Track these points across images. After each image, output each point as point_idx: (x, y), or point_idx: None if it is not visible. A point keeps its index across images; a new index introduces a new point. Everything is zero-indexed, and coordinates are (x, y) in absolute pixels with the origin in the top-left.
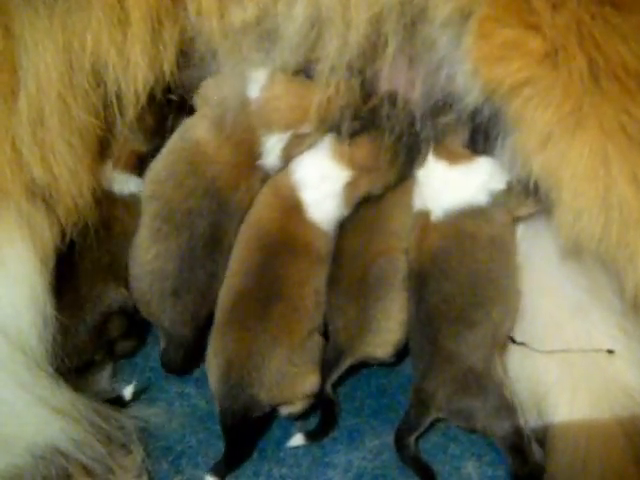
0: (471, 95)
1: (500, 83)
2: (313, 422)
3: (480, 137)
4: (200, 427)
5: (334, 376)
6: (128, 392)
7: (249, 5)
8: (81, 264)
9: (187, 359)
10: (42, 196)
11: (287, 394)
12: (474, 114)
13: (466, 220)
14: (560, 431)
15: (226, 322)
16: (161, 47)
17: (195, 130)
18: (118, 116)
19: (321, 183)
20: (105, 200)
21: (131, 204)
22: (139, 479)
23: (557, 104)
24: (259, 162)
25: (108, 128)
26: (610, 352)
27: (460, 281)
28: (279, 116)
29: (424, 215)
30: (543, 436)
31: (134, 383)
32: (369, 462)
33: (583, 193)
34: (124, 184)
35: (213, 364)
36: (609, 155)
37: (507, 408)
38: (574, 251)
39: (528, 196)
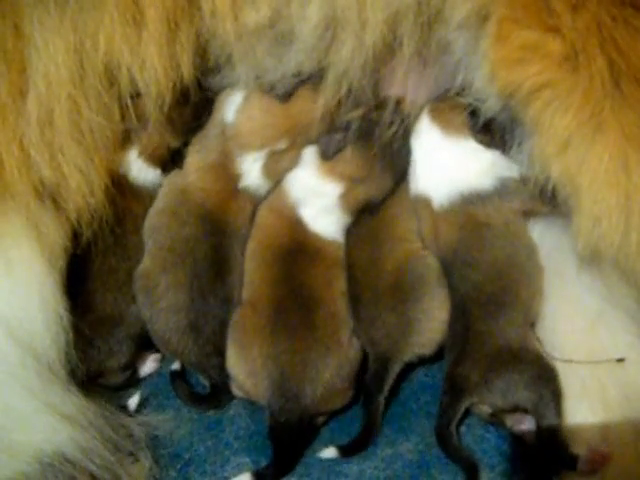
0: (489, 99)
1: (518, 86)
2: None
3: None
4: (208, 435)
5: (386, 387)
6: (133, 402)
7: (262, 6)
8: (101, 275)
9: (227, 387)
10: (51, 196)
11: (329, 407)
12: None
13: (476, 209)
14: (585, 437)
15: (274, 330)
16: (178, 48)
17: (186, 161)
18: (134, 118)
19: (314, 199)
20: (116, 188)
21: (142, 194)
22: None
23: (577, 108)
24: (242, 185)
25: (124, 129)
26: (620, 361)
27: (485, 269)
28: (253, 136)
29: (425, 202)
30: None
31: (139, 393)
32: (381, 471)
33: (603, 199)
34: (142, 174)
35: (262, 374)
36: (630, 161)
37: (547, 374)
38: (593, 258)
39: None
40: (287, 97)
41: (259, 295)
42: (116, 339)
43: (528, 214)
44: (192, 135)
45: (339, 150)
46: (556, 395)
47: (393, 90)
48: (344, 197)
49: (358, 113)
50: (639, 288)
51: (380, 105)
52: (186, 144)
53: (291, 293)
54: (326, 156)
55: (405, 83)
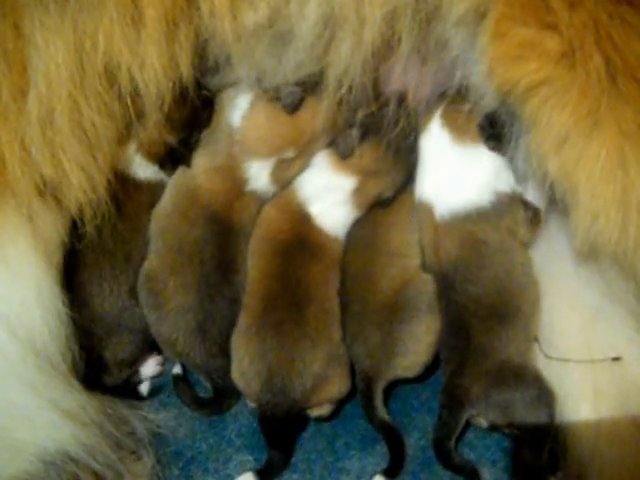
0: (486, 96)
1: (516, 83)
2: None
3: (501, 133)
4: (210, 432)
5: (377, 403)
6: (145, 388)
7: (261, 5)
8: (99, 269)
9: (230, 390)
10: (52, 194)
11: (322, 397)
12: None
13: (474, 226)
14: (580, 434)
15: (260, 328)
16: (177, 48)
17: (194, 163)
18: (134, 117)
19: (327, 194)
20: (117, 181)
21: (142, 187)
22: None
23: (574, 105)
24: (248, 188)
25: (125, 126)
26: (616, 359)
27: (484, 284)
28: (259, 144)
29: (428, 211)
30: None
31: (149, 380)
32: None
33: (600, 195)
34: (141, 169)
35: (250, 372)
36: (627, 156)
37: (546, 396)
38: (591, 254)
39: (529, 213)
40: (294, 108)
41: (254, 290)
42: (116, 333)
43: (515, 237)
44: (189, 132)
45: (355, 147)
46: (551, 418)
47: (393, 87)
48: (357, 191)
49: (364, 113)
50: (637, 283)
51: (383, 104)
52: (184, 141)
53: (285, 289)
54: (344, 154)
55: (404, 80)
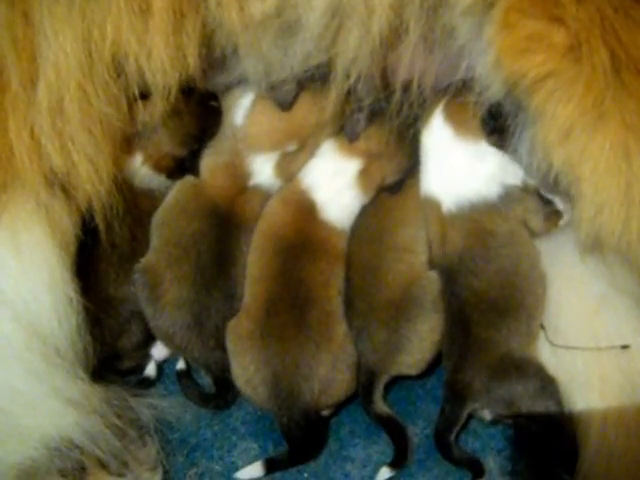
0: (492, 87)
1: (523, 75)
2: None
3: (507, 133)
4: (215, 420)
5: (376, 397)
6: (152, 370)
7: None
8: (105, 258)
9: (231, 383)
10: (60, 184)
11: (330, 400)
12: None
13: (483, 217)
14: (586, 422)
15: (263, 334)
16: (184, 38)
17: (201, 163)
18: (141, 107)
19: (333, 179)
20: (124, 186)
21: (149, 195)
22: (154, 472)
23: (579, 98)
24: (252, 182)
25: (132, 118)
26: (625, 347)
27: (489, 278)
28: (261, 139)
29: (434, 206)
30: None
31: (154, 360)
32: (387, 456)
33: (604, 188)
34: (147, 180)
35: (257, 379)
36: (631, 150)
37: (550, 386)
38: (595, 246)
39: (547, 209)
40: (289, 105)
41: (256, 292)
42: (124, 317)
43: (525, 227)
44: (200, 143)
45: (362, 130)
46: (560, 408)
47: (400, 76)
48: (362, 174)
49: (368, 101)
50: None
51: (388, 93)
52: (194, 153)
53: (286, 291)
54: (352, 137)
55: (411, 69)
